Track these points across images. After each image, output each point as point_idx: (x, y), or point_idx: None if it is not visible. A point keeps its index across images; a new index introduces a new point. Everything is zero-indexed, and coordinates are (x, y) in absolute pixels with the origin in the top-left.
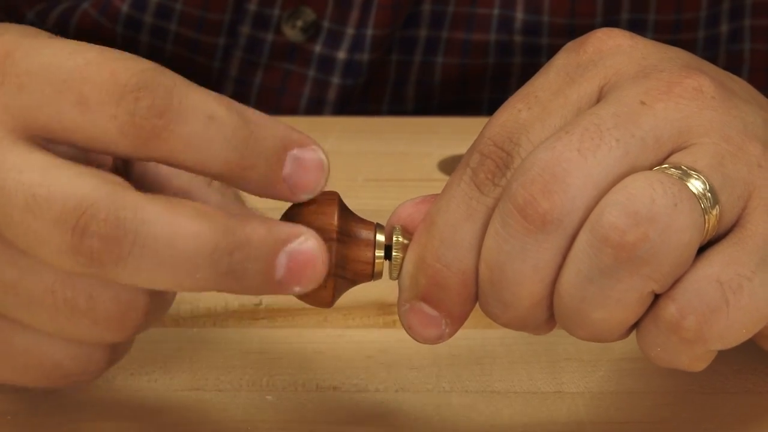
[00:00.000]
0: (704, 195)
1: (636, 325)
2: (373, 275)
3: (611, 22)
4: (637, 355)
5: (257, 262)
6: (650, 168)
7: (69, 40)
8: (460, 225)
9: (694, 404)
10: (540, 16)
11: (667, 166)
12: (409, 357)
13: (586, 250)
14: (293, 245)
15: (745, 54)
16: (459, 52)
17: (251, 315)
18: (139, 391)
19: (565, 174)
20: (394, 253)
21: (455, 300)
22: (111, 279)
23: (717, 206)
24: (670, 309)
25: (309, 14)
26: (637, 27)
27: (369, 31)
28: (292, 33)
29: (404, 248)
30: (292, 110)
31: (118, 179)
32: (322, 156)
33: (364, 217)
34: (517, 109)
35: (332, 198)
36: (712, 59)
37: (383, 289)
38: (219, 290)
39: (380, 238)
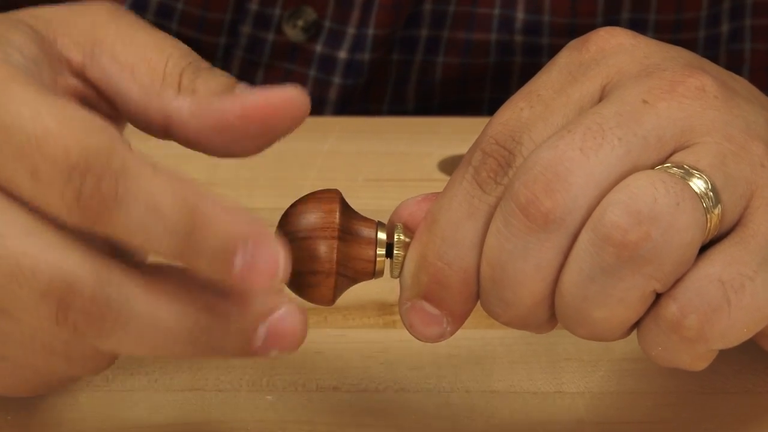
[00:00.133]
0: (706, 194)
1: (637, 324)
2: (375, 273)
3: (612, 21)
4: (637, 355)
5: (236, 336)
6: (652, 167)
7: (35, 90)
8: (462, 223)
9: (694, 404)
10: (541, 15)
11: (669, 165)
12: (409, 357)
13: (588, 249)
14: (272, 319)
15: (746, 54)
16: (460, 52)
17: None
18: (139, 391)
19: (568, 173)
20: (395, 252)
21: (456, 298)
22: (93, 346)
23: (719, 205)
24: (671, 308)
25: (310, 14)
26: (637, 26)
27: (370, 31)
28: (293, 33)
29: (406, 246)
30: None
31: (101, 253)
32: (280, 257)
33: (366, 217)
34: (519, 108)
35: (334, 196)
36: (713, 59)
37: (383, 289)
38: (200, 357)
39: (381, 236)
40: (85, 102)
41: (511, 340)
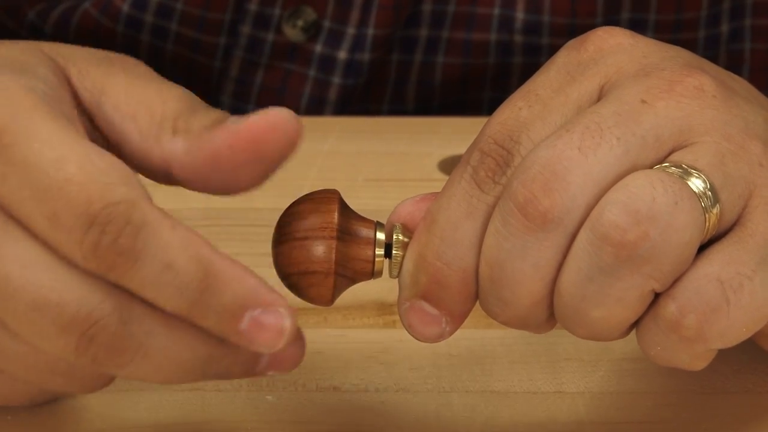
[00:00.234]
0: (705, 194)
1: (636, 324)
2: (374, 273)
3: (612, 21)
4: (637, 355)
5: (242, 364)
6: (651, 166)
7: (60, 130)
8: (461, 223)
9: (694, 404)
10: (540, 15)
11: (667, 164)
12: (409, 357)
13: (587, 248)
14: (276, 348)
15: (746, 54)
16: (459, 52)
17: None
18: (140, 391)
19: (566, 172)
20: (394, 252)
21: (455, 298)
22: (111, 374)
23: (717, 205)
24: (670, 308)
25: (310, 14)
26: (637, 26)
27: (370, 31)
28: (293, 33)
29: (404, 246)
30: (292, 110)
31: (122, 290)
32: (286, 321)
33: (365, 217)
34: (517, 107)
35: (333, 196)
36: (713, 59)
37: (383, 289)
38: (204, 381)
39: (380, 236)
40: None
41: (511, 340)
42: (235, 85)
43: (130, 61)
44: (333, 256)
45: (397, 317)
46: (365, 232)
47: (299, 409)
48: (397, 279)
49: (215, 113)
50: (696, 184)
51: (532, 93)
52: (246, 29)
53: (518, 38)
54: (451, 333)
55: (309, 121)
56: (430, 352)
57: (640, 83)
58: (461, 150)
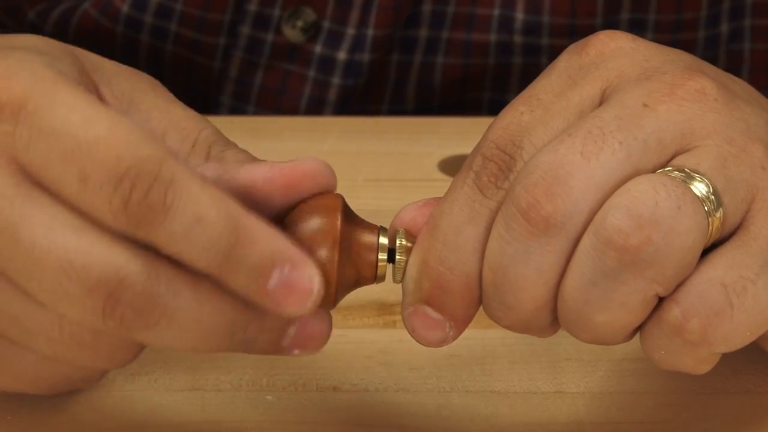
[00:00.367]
0: (708, 197)
1: (640, 328)
2: (376, 278)
3: (611, 22)
4: (637, 355)
5: (269, 333)
6: (653, 170)
7: (83, 96)
8: (464, 228)
9: (694, 404)
10: (540, 16)
11: (670, 168)
12: (409, 357)
13: (590, 253)
14: (303, 319)
15: (745, 54)
16: (459, 53)
17: None
18: (139, 391)
19: (568, 177)
20: (397, 257)
21: (459, 303)
22: (134, 339)
23: (720, 209)
24: (674, 312)
25: (309, 14)
26: (637, 27)
27: (369, 32)
28: (293, 33)
29: (408, 251)
30: (292, 110)
31: (149, 250)
32: (315, 280)
33: (365, 218)
34: (519, 112)
35: (336, 200)
36: (713, 59)
37: (383, 289)
38: (229, 351)
39: (383, 241)
40: None
41: (511, 341)
42: (234, 85)
43: (155, 81)
44: (336, 260)
45: (397, 317)
46: (368, 236)
47: (299, 409)
48: (400, 284)
49: (247, 153)
50: (699, 188)
51: (533, 97)
52: (245, 30)
53: (518, 39)
54: (455, 338)
55: (308, 121)
56: (430, 352)
57: (641, 87)
58: (461, 150)
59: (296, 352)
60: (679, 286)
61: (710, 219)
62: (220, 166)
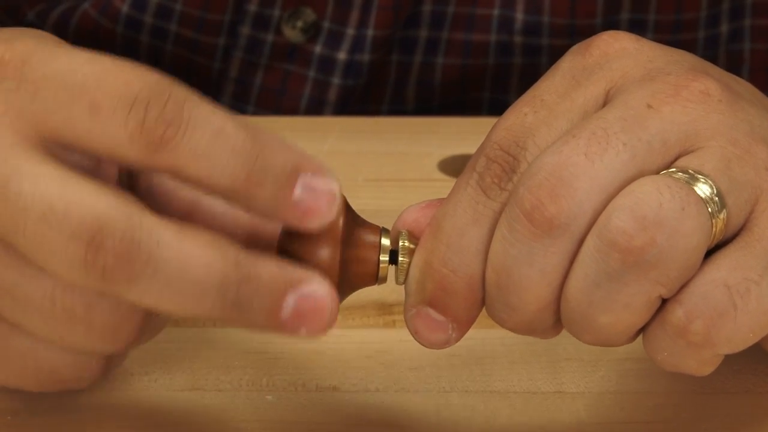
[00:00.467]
0: (711, 199)
1: (643, 330)
2: (378, 279)
3: (611, 22)
4: (637, 355)
5: (264, 298)
6: (657, 172)
7: (84, 50)
8: (467, 229)
9: (694, 404)
10: (540, 16)
11: (674, 169)
12: (409, 357)
13: (594, 254)
14: (302, 289)
15: (745, 54)
16: (459, 53)
17: None
18: (139, 391)
19: (572, 178)
20: (400, 258)
21: (462, 305)
22: (119, 296)
23: (724, 210)
24: (677, 313)
25: (309, 15)
26: (637, 27)
27: (369, 32)
28: (293, 33)
29: (411, 253)
30: (292, 111)
31: (134, 199)
32: (335, 187)
33: (365, 218)
34: (523, 113)
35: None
36: (712, 59)
37: (383, 289)
38: (222, 320)
39: (385, 242)
40: None
41: (511, 341)
42: (234, 85)
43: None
44: (337, 261)
45: (397, 317)
46: (370, 237)
47: (299, 409)
48: (403, 285)
49: None
50: (703, 189)
51: (537, 98)
52: (245, 30)
53: (518, 39)
54: (458, 339)
55: (308, 122)
56: (430, 352)
57: (645, 88)
58: (461, 150)
59: (302, 330)
60: (683, 287)
61: (714, 220)
62: None
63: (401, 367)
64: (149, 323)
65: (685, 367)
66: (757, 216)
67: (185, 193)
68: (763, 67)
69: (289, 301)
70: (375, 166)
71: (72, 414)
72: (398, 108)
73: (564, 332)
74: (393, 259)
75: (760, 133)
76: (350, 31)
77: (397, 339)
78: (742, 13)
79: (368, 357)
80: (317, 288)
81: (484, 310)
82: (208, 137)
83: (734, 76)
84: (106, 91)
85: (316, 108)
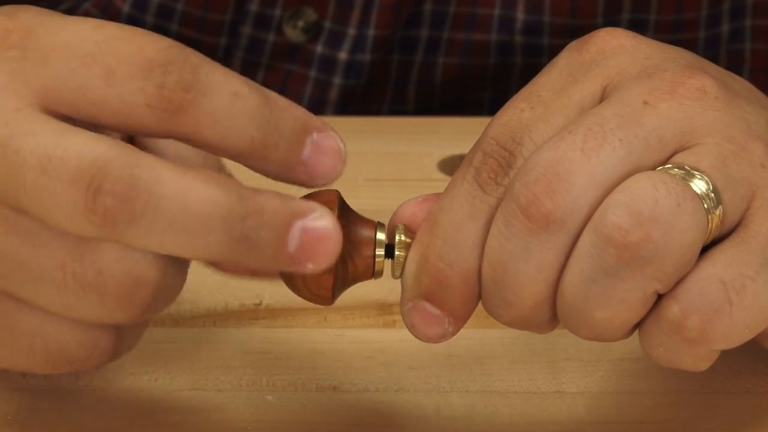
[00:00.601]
0: (707, 195)
1: (639, 325)
2: (374, 273)
3: (612, 22)
4: (637, 355)
5: (271, 230)
6: (653, 168)
7: (90, 18)
8: (463, 224)
9: (694, 404)
10: (541, 16)
11: (670, 166)
12: (409, 357)
13: (590, 250)
14: (307, 219)
15: (746, 54)
16: (460, 53)
17: (251, 315)
18: (139, 391)
19: (568, 174)
20: (396, 252)
21: (458, 299)
22: (124, 242)
23: (720, 206)
24: (673, 309)
25: (310, 14)
26: (638, 27)
27: (370, 32)
28: (294, 33)
29: (407, 247)
30: None
31: (130, 145)
32: (340, 143)
33: (365, 217)
34: (519, 109)
35: (333, 196)
36: (713, 59)
37: (383, 289)
38: (232, 260)
39: (381, 236)
40: None
41: (511, 340)
42: None
43: None
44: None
45: (397, 317)
46: (366, 232)
47: (299, 409)
48: (399, 279)
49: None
50: (698, 185)
51: (534, 94)
52: (246, 30)
53: (519, 39)
54: (454, 333)
55: None
56: (430, 352)
57: (642, 85)
58: (461, 150)
59: (310, 265)
60: (679, 283)
61: (710, 216)
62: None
63: (401, 367)
64: (163, 287)
65: (680, 362)
66: (752, 212)
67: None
68: (763, 66)
69: (295, 232)
70: (375, 166)
71: (72, 414)
72: (399, 107)
73: (564, 332)
74: (389, 253)
75: (756, 130)
76: (351, 31)
77: (397, 339)
78: (742, 13)
79: (368, 357)
80: (320, 218)
81: (481, 306)
82: (226, 101)
83: (731, 73)
84: (120, 57)
85: (317, 108)
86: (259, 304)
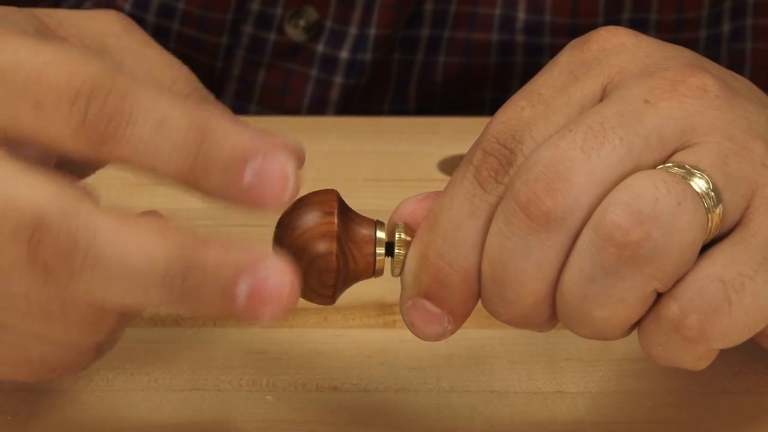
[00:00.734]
0: (707, 194)
1: (638, 324)
2: (374, 272)
3: (613, 21)
4: (637, 355)
5: (214, 287)
6: (654, 167)
7: (32, 36)
8: (463, 222)
9: (694, 404)
10: (542, 15)
11: (670, 164)
12: (409, 357)
13: (589, 248)
14: (255, 275)
15: (747, 53)
16: (461, 52)
17: None
18: (139, 391)
19: (569, 172)
20: (396, 251)
21: (458, 297)
22: (69, 292)
23: (720, 205)
24: (672, 308)
25: (311, 14)
26: (638, 26)
27: (371, 31)
28: (295, 32)
29: (407, 245)
30: (294, 110)
31: (75, 187)
32: (288, 167)
33: (365, 216)
34: (520, 107)
35: (332, 196)
36: (714, 58)
37: (383, 289)
38: (180, 311)
39: (380, 234)
40: None
41: (511, 340)
42: (237, 84)
43: (129, 22)
44: (334, 254)
45: (397, 317)
46: (365, 231)
47: (299, 409)
48: (398, 278)
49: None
50: (699, 184)
51: (534, 92)
52: (248, 29)
53: (519, 38)
54: (453, 332)
55: (309, 121)
56: (430, 352)
57: (643, 83)
58: (461, 150)
59: (262, 315)
60: (678, 282)
61: (710, 215)
62: None
63: (401, 367)
64: (128, 314)
65: (680, 361)
66: (753, 211)
67: None
68: (764, 66)
69: (243, 287)
70: (375, 166)
71: (72, 414)
72: (400, 107)
73: (564, 332)
74: (389, 252)
75: (757, 129)
76: (352, 30)
77: (397, 339)
78: (743, 13)
79: (368, 357)
80: (271, 270)
81: (481, 306)
82: (150, 130)
83: (732, 72)
84: (48, 87)
85: (318, 107)
86: None
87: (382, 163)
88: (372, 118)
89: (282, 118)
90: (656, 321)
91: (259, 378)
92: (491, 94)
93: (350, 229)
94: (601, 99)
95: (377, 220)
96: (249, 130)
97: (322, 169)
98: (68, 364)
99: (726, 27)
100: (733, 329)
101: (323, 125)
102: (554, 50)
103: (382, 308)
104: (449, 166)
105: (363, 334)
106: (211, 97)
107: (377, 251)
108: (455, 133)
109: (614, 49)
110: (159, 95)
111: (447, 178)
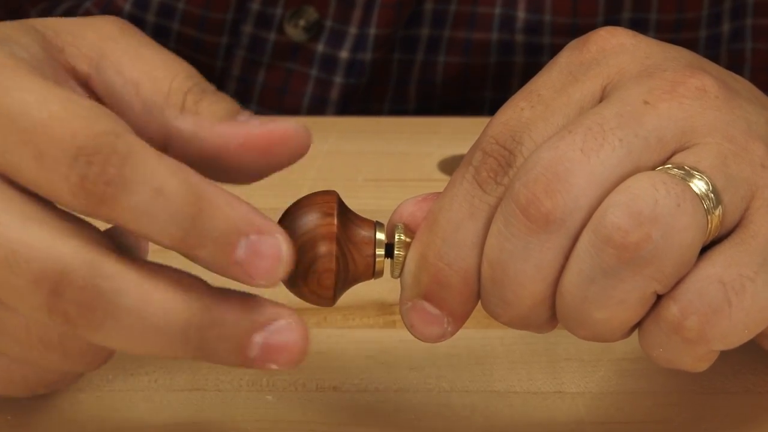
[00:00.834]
0: (707, 195)
1: (638, 326)
2: (374, 273)
3: (613, 21)
4: (637, 355)
5: (229, 342)
6: (653, 168)
7: (41, 79)
8: (463, 223)
9: (694, 404)
10: (542, 15)
11: (670, 166)
12: (409, 357)
13: (589, 250)
14: (268, 332)
15: (747, 53)
16: (461, 52)
17: None
18: (139, 391)
19: (568, 173)
20: (396, 252)
21: (457, 299)
22: (86, 340)
23: (720, 206)
24: (672, 309)
25: (311, 13)
26: (638, 26)
27: (371, 31)
28: (295, 32)
29: (406, 246)
30: (294, 109)
31: (97, 241)
32: (283, 247)
33: (364, 217)
34: (519, 108)
35: (331, 197)
36: (714, 58)
37: (383, 289)
38: (194, 359)
39: (380, 236)
40: None
41: (511, 340)
42: (237, 84)
43: (125, 24)
44: (333, 256)
45: (397, 317)
46: (365, 232)
47: (299, 409)
48: (398, 279)
49: (225, 101)
50: (698, 185)
51: (534, 93)
52: (248, 29)
53: (519, 38)
54: (453, 333)
55: (309, 121)
56: (430, 352)
57: (642, 84)
58: (461, 150)
59: (272, 366)
60: (678, 283)
61: (709, 217)
62: (194, 122)
63: (401, 367)
64: None
65: (680, 363)
66: (752, 213)
67: (144, 95)
68: (764, 66)
69: (256, 342)
70: (375, 166)
71: (71, 414)
72: (400, 107)
73: (564, 332)
74: (389, 253)
75: (756, 130)
76: (352, 30)
77: (397, 339)
78: (743, 13)
79: (368, 357)
80: (284, 327)
81: (481, 306)
82: (146, 198)
83: (731, 73)
84: (51, 141)
85: (318, 107)
86: None
87: (382, 163)
88: (372, 118)
89: (284, 116)
90: (656, 322)
91: (259, 378)
92: (491, 94)
93: (350, 231)
94: (601, 100)
95: (377, 222)
96: (246, 206)
97: (322, 169)
98: (63, 379)
99: (726, 27)
100: (733, 330)
101: (323, 125)
102: (554, 50)
103: (382, 308)
104: (449, 166)
105: (363, 334)
106: (211, 88)
107: (377, 252)
108: (455, 133)
109: (613, 49)
110: (159, 161)
111: (447, 178)
